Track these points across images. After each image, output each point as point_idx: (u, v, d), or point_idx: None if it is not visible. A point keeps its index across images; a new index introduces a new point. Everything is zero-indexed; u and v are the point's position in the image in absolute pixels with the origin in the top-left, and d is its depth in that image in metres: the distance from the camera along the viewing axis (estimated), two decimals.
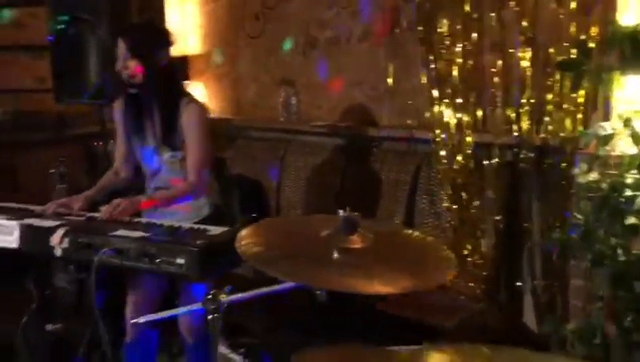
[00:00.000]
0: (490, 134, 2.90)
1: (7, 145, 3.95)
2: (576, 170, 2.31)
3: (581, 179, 2.25)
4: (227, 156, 4.01)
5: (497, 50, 2.85)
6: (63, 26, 3.34)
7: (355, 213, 1.44)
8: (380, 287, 1.39)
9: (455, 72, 2.91)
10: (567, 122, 2.65)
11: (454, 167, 2.97)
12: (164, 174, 2.58)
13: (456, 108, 2.94)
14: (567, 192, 2.63)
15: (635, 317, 2.12)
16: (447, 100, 2.95)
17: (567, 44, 2.57)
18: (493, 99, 2.89)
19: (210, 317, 1.57)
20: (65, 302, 2.74)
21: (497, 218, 2.89)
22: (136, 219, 2.42)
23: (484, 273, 2.94)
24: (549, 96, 2.69)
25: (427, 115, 3.06)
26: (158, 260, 2.05)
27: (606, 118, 2.38)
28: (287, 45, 3.86)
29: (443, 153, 2.99)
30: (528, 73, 2.75)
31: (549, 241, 2.67)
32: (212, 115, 2.77)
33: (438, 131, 2.99)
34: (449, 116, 2.95)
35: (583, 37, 2.51)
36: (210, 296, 1.56)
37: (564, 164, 2.65)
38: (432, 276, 1.46)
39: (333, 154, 3.65)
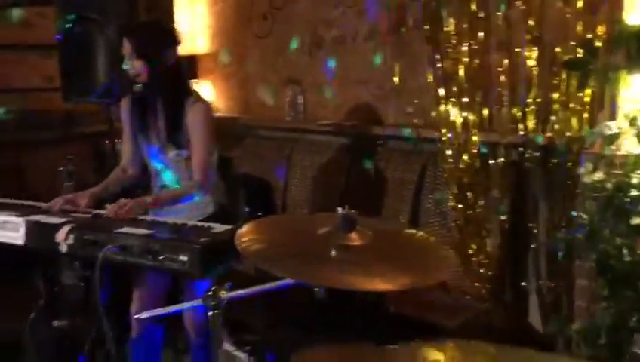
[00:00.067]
0: (496, 133, 2.89)
1: (16, 144, 3.98)
2: (581, 170, 2.30)
3: (586, 179, 2.25)
4: (235, 155, 4.03)
5: (504, 49, 2.85)
6: (71, 26, 3.37)
7: (353, 211, 1.44)
8: (378, 284, 1.39)
9: (461, 71, 2.90)
10: (574, 121, 2.64)
11: (460, 166, 2.96)
12: (170, 173, 2.59)
13: (463, 107, 2.93)
14: (572, 192, 2.62)
15: None
16: (453, 99, 2.95)
17: (574, 43, 2.57)
18: (499, 98, 2.88)
19: (210, 313, 1.58)
20: (71, 298, 2.76)
21: (503, 218, 2.88)
22: (141, 217, 2.43)
23: (490, 273, 2.93)
24: (556, 96, 2.69)
25: (433, 114, 3.06)
26: (161, 257, 2.06)
27: (612, 117, 2.38)
28: (294, 45, 3.87)
29: (449, 152, 2.99)
30: (534, 72, 2.74)
31: (555, 241, 2.66)
32: (219, 114, 2.78)
33: (444, 130, 2.99)
34: (455, 115, 2.95)
35: (589, 36, 2.51)
36: (210, 293, 1.57)
37: (569, 164, 2.64)
38: (431, 274, 1.46)
39: (339, 153, 3.65)
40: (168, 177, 2.60)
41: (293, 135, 3.90)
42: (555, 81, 2.68)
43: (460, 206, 2.98)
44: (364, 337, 1.65)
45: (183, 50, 2.64)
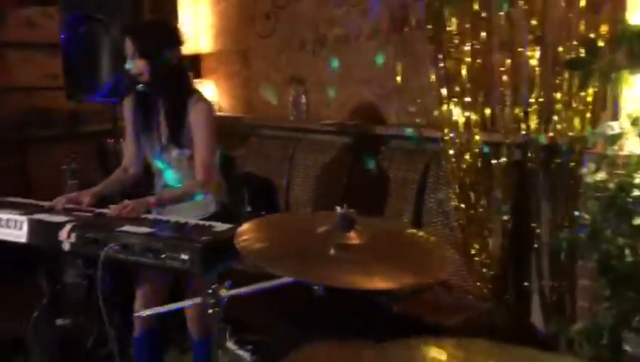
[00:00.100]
0: (498, 133, 2.88)
1: (20, 142, 4.00)
2: (584, 170, 2.29)
3: (589, 179, 2.24)
4: (239, 154, 4.04)
5: (506, 49, 2.84)
6: (75, 25, 3.38)
7: (352, 210, 1.44)
8: (377, 283, 1.39)
9: (464, 71, 2.90)
10: (576, 121, 2.63)
11: (462, 165, 2.96)
12: (172, 172, 2.60)
13: (465, 106, 2.93)
14: (575, 192, 2.61)
15: None
16: (455, 99, 2.94)
17: (576, 43, 2.56)
18: (501, 98, 2.87)
19: (210, 311, 1.59)
20: (74, 297, 2.78)
21: (505, 217, 2.88)
22: (144, 216, 2.44)
23: (492, 272, 2.92)
24: (558, 95, 2.68)
25: (436, 113, 3.06)
26: (162, 255, 2.07)
27: (615, 117, 2.37)
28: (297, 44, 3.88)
29: (451, 152, 2.98)
30: (537, 72, 2.73)
31: (557, 241, 2.65)
32: (222, 113, 2.79)
33: (446, 130, 2.98)
34: (457, 115, 2.94)
35: (592, 35, 2.50)
36: (210, 291, 1.58)
37: (572, 164, 2.64)
38: (430, 273, 1.46)
39: (341, 152, 3.65)
40: (171, 176, 2.60)
41: (296, 134, 3.91)
42: (557, 81, 2.67)
43: (462, 205, 2.98)
44: (364, 336, 1.65)
45: (186, 49, 2.64)
